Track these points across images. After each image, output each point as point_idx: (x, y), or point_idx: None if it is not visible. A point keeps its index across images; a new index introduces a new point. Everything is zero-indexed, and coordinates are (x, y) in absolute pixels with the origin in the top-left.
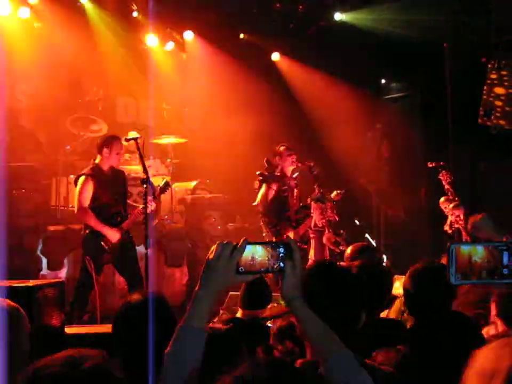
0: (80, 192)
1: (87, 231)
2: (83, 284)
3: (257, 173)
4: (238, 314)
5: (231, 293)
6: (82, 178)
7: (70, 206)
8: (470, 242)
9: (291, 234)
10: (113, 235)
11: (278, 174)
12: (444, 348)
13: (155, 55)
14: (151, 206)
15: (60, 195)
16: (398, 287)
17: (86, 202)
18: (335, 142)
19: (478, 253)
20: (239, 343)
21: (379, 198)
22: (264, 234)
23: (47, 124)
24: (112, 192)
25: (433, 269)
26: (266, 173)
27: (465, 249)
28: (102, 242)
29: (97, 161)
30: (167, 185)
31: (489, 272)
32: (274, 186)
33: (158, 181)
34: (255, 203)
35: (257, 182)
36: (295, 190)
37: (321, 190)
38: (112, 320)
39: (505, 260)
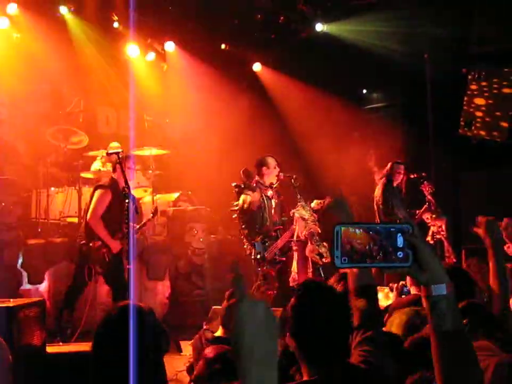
0: (98, 201)
1: (97, 243)
2: (76, 290)
3: (233, 184)
4: (219, 333)
5: (213, 307)
6: (101, 190)
7: (51, 219)
8: (356, 223)
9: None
10: (116, 246)
11: (255, 185)
12: None
13: (136, 65)
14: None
15: (40, 207)
16: (381, 299)
17: (101, 212)
18: (316, 152)
19: (361, 235)
20: None
21: (361, 208)
22: (245, 246)
23: (27, 135)
24: (121, 208)
25: None
26: (242, 185)
27: (351, 231)
28: (105, 254)
29: (114, 176)
30: (155, 213)
31: (378, 254)
32: (249, 199)
33: (139, 193)
34: (234, 216)
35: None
36: (274, 201)
37: (302, 201)
38: (93, 336)
39: (399, 242)
